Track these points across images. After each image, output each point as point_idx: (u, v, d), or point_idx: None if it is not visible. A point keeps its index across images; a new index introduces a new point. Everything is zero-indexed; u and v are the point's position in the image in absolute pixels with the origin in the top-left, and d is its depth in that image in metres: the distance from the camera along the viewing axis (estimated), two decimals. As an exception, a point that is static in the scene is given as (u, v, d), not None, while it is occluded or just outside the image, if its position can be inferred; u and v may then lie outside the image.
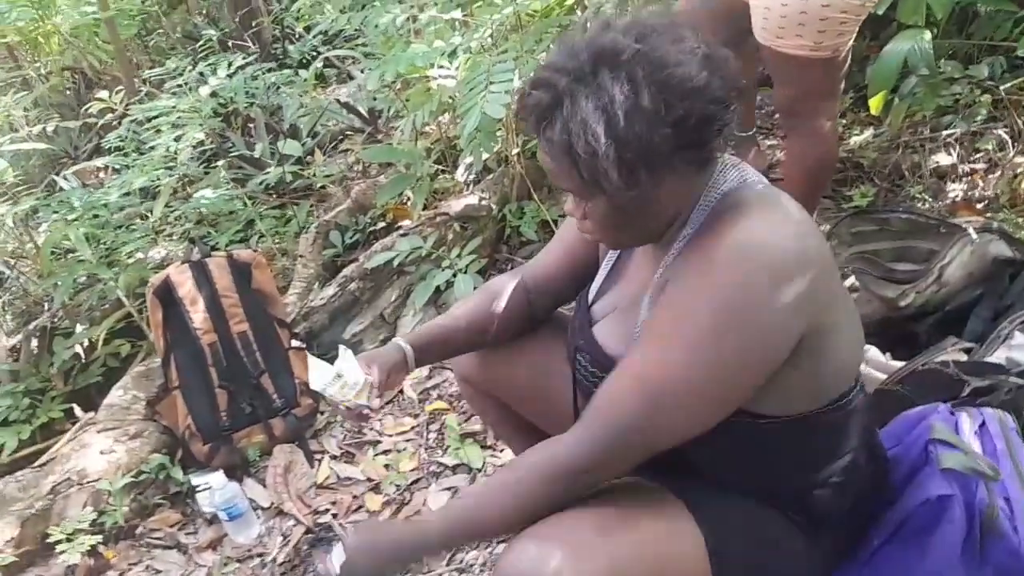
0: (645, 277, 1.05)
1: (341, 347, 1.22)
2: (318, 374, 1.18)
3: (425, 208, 2.55)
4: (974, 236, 1.63)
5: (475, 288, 2.11)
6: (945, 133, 2.20)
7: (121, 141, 3.08)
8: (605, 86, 0.87)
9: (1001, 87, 2.17)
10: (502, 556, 0.96)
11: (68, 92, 4.28)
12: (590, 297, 1.18)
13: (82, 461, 1.89)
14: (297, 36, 4.29)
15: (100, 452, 1.92)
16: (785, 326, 0.89)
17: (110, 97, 3.05)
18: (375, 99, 3.14)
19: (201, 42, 3.73)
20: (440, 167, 2.74)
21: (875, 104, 2.14)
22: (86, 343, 2.47)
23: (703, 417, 0.92)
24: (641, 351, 0.94)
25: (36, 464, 1.97)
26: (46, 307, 2.67)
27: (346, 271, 2.41)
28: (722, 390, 0.91)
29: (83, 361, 2.47)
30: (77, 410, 2.26)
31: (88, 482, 1.86)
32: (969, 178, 2.13)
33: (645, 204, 0.94)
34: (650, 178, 0.90)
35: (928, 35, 1.99)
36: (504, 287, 1.29)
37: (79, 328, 2.51)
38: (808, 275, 0.89)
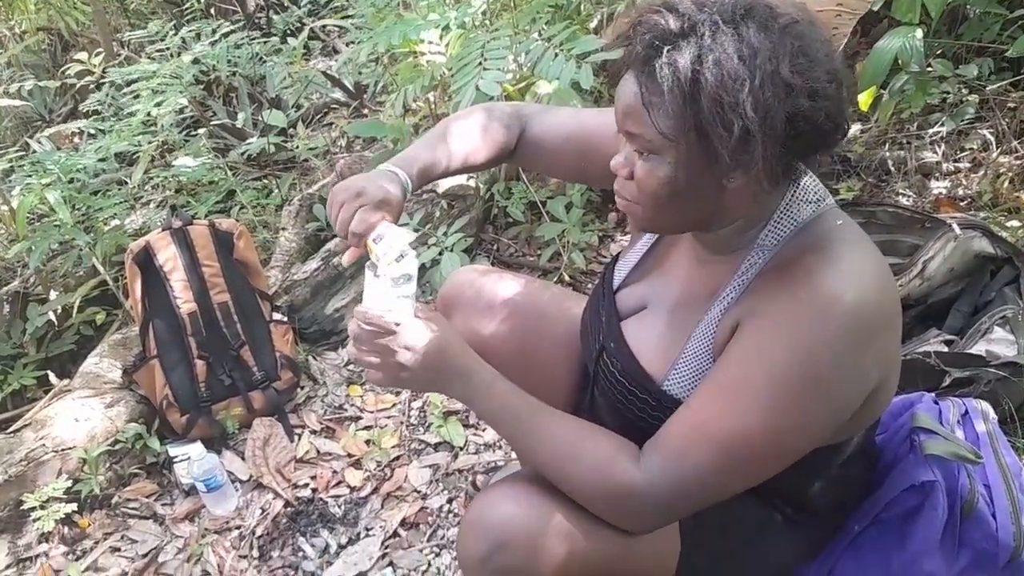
0: (693, 284, 0.99)
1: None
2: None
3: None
4: (957, 232, 1.66)
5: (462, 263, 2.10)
6: (932, 131, 2.24)
7: (100, 105, 3.01)
8: (750, 39, 0.78)
9: (988, 88, 2.20)
10: (475, 502, 0.96)
11: (43, 53, 4.17)
12: (616, 279, 1.12)
13: (57, 428, 1.85)
14: (282, 6, 4.22)
15: (75, 420, 1.88)
16: (864, 387, 0.88)
17: (89, 59, 2.98)
18: (360, 73, 3.09)
19: (186, 5, 3.65)
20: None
21: (864, 100, 2.16)
22: (59, 310, 2.42)
23: (772, 471, 0.89)
24: (719, 407, 0.87)
25: (9, 430, 1.92)
26: (18, 272, 2.61)
27: (330, 245, 2.38)
28: (796, 450, 0.89)
29: (56, 328, 2.42)
30: (52, 377, 2.22)
31: (63, 450, 1.82)
32: (953, 176, 2.16)
33: (710, 188, 0.85)
34: (753, 158, 0.80)
35: (920, 33, 2.00)
36: (502, 124, 1.19)
37: (53, 294, 2.45)
38: (888, 333, 0.88)
